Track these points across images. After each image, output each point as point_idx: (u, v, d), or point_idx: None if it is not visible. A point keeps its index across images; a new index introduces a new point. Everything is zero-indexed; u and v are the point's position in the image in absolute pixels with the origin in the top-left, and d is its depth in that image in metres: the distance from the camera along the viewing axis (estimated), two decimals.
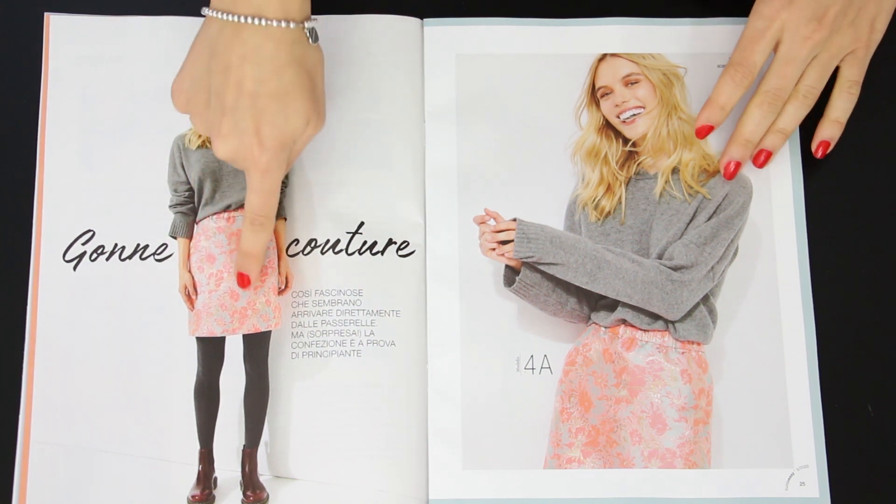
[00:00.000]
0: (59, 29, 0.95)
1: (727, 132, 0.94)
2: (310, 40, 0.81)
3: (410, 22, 0.96)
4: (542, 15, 0.97)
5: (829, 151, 0.94)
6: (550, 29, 0.97)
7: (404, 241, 0.93)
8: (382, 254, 0.92)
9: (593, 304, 0.92)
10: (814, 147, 0.94)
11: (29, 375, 0.89)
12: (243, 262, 0.88)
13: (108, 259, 0.92)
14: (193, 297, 0.91)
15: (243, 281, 0.88)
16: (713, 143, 0.94)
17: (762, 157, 0.93)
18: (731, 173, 0.93)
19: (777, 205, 0.94)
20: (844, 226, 0.94)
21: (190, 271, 0.92)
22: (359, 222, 0.93)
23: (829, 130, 0.94)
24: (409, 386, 0.90)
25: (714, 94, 0.92)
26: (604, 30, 0.97)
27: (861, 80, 0.93)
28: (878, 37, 0.93)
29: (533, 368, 0.91)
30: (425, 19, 0.97)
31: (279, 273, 0.92)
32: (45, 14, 0.96)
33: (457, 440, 0.89)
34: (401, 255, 0.92)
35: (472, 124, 0.95)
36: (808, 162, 0.95)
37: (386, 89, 0.95)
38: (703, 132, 0.93)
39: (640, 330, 0.90)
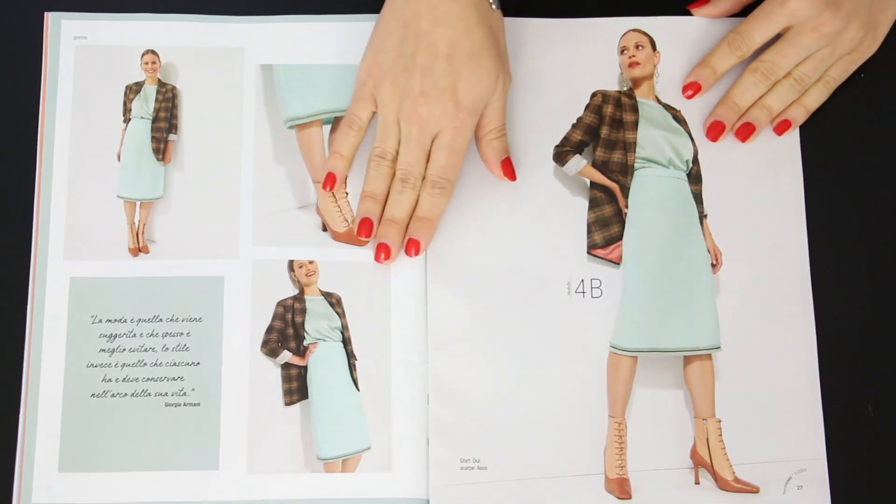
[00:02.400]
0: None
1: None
2: (492, 5, 0.87)
3: None
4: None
5: (788, 130, 0.95)
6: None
7: None
8: None
9: None
10: (775, 124, 0.95)
11: (27, 373, 0.89)
12: (419, 226, 0.90)
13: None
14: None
15: (409, 249, 0.90)
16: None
17: (746, 130, 0.94)
18: (715, 135, 0.94)
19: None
20: (844, 226, 0.94)
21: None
22: None
23: (796, 112, 0.95)
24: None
25: (707, 55, 0.95)
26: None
27: (842, 81, 0.95)
28: (875, 46, 0.94)
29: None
30: None
31: None
32: (45, 14, 0.96)
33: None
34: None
35: None
36: (808, 162, 0.95)
37: None
38: (690, 88, 0.95)
39: None
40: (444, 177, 0.88)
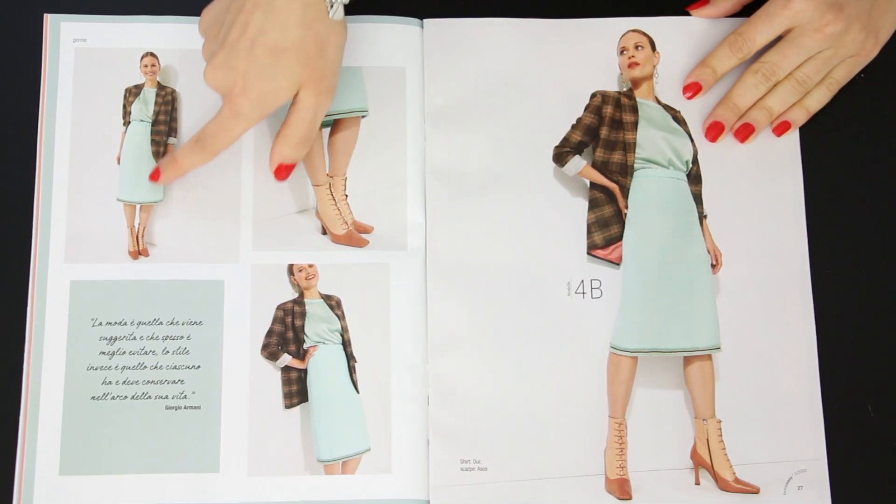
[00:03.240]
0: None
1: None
2: (329, 11, 0.84)
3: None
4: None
5: (787, 132, 0.94)
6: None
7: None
8: None
9: None
10: (774, 125, 0.95)
11: (27, 376, 0.89)
12: (167, 165, 0.90)
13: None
14: None
15: (155, 176, 0.90)
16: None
17: (745, 131, 0.94)
18: (714, 136, 0.94)
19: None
20: (844, 226, 0.94)
21: None
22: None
23: (796, 113, 0.94)
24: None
25: (708, 56, 0.95)
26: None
27: (844, 83, 0.95)
28: (877, 50, 0.94)
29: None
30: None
31: None
32: (45, 16, 0.96)
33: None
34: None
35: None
36: (808, 162, 0.95)
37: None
38: (690, 89, 0.95)
39: None
40: (209, 143, 0.87)
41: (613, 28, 0.97)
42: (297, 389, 0.90)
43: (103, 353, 0.90)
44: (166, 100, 0.94)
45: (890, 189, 0.95)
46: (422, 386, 0.90)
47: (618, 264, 0.93)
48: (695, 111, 0.96)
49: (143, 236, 0.92)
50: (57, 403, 0.88)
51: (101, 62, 0.95)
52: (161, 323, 0.90)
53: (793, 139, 0.95)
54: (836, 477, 0.89)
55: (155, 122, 0.94)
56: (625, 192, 0.93)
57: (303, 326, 0.91)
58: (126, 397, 0.89)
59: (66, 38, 0.95)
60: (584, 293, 0.92)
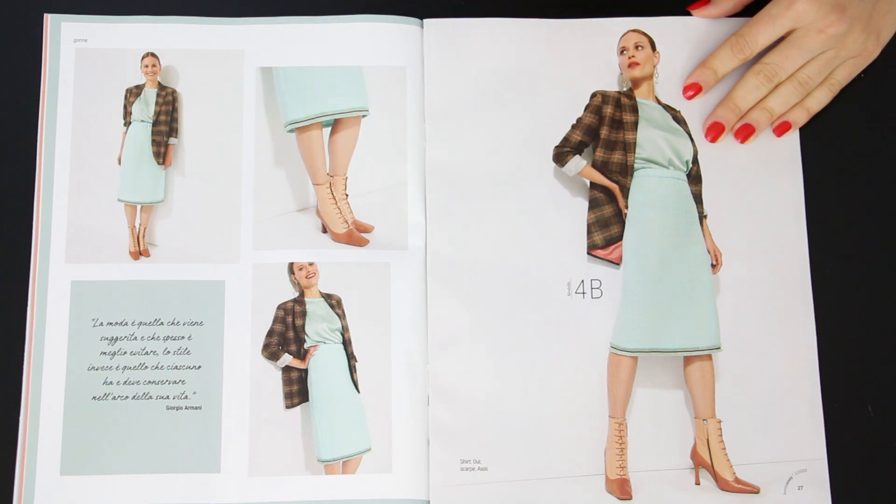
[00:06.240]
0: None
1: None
2: None
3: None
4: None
5: (787, 132, 0.94)
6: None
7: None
8: None
9: None
10: (775, 125, 0.95)
11: (28, 376, 0.89)
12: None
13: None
14: None
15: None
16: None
17: (745, 131, 0.94)
18: (714, 136, 0.95)
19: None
20: (844, 226, 0.94)
21: None
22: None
23: (797, 114, 0.94)
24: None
25: (709, 57, 0.95)
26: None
27: (845, 84, 0.95)
28: (878, 51, 0.94)
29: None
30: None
31: None
32: (45, 15, 0.96)
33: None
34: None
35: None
36: (808, 162, 0.95)
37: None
38: (691, 89, 0.95)
39: None
40: None
41: (613, 28, 0.97)
42: (297, 389, 0.90)
43: (104, 353, 0.90)
44: (167, 100, 0.94)
45: (890, 189, 0.95)
46: (422, 385, 0.90)
47: (618, 264, 0.93)
48: (695, 111, 0.96)
49: (143, 237, 0.92)
50: (58, 403, 0.88)
51: (101, 62, 0.95)
52: (162, 323, 0.90)
53: (793, 139, 0.96)
54: (836, 477, 0.89)
55: (156, 123, 0.94)
56: (625, 191, 0.94)
57: (303, 326, 0.91)
58: (127, 397, 0.89)
59: (67, 39, 0.95)
60: (584, 293, 0.92)
